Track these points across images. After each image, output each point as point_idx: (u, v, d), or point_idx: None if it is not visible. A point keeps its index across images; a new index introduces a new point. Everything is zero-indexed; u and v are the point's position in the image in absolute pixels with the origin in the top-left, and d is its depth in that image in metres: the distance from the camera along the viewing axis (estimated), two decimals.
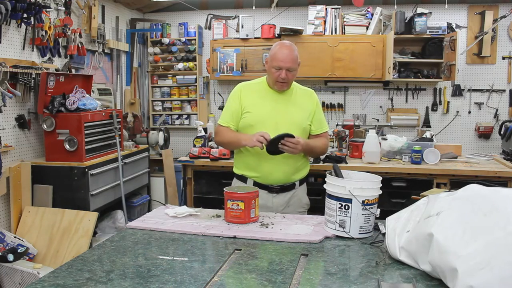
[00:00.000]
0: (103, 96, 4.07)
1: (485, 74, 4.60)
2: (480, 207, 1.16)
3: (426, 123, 4.70)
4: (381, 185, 1.65)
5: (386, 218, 1.48)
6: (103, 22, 4.25)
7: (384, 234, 1.49)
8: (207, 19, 5.03)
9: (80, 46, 3.66)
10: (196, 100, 5.01)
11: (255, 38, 4.67)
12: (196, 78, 4.95)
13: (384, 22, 4.52)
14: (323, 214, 1.73)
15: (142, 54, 5.06)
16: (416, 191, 2.33)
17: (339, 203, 1.61)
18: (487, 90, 4.62)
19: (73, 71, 3.70)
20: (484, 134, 4.63)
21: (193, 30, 4.93)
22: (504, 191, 1.19)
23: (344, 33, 4.50)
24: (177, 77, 5.00)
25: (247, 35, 4.65)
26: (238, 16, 4.77)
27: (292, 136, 2.03)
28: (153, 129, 4.78)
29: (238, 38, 4.71)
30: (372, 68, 4.41)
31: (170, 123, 5.14)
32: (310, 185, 2.44)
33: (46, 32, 3.28)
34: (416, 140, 3.51)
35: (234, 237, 1.61)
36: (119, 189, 3.50)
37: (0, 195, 2.92)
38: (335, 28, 4.49)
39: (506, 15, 4.41)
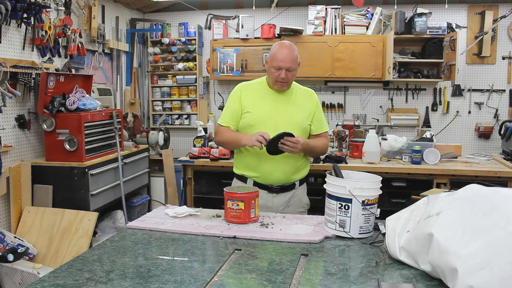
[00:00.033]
0: (103, 96, 4.07)
1: (485, 74, 4.60)
2: (480, 207, 1.16)
3: (426, 123, 4.71)
4: (381, 185, 1.65)
5: (386, 218, 1.48)
6: (103, 22, 4.25)
7: (384, 234, 1.49)
8: (207, 19, 5.03)
9: (80, 46, 3.66)
10: (196, 100, 5.01)
11: (255, 38, 4.67)
12: (196, 78, 4.95)
13: (384, 22, 4.52)
14: (323, 214, 1.73)
15: (142, 54, 5.06)
16: (416, 191, 2.33)
17: (339, 203, 1.61)
18: (487, 90, 4.62)
19: (73, 71, 3.70)
20: (484, 134, 4.63)
21: (193, 30, 4.93)
22: (504, 191, 1.19)
23: (344, 33, 4.50)
24: (177, 77, 5.00)
25: (247, 35, 4.65)
26: (238, 16, 4.77)
27: (291, 135, 2.03)
28: (153, 129, 4.78)
29: (238, 38, 4.71)
30: (372, 68, 4.41)
31: (170, 123, 5.14)
32: (310, 185, 2.44)
33: (46, 32, 3.28)
34: (416, 140, 3.51)
35: (234, 237, 1.61)
36: (119, 189, 3.50)
37: (0, 195, 2.93)
38: (335, 28, 4.49)
39: (506, 15, 4.41)
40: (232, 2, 4.87)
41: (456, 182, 2.99)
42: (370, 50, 4.38)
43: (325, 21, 4.48)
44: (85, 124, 3.15)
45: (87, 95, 3.41)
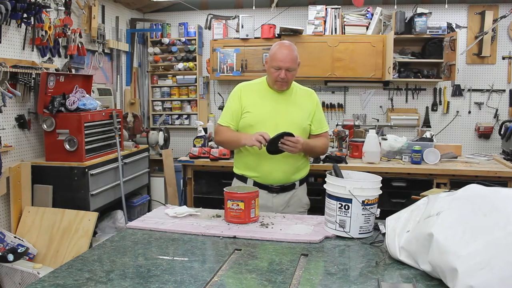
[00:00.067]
0: (103, 96, 4.07)
1: (485, 74, 4.60)
2: (480, 207, 1.16)
3: (426, 123, 4.71)
4: (381, 185, 1.65)
5: (386, 218, 1.48)
6: (103, 22, 4.25)
7: (384, 234, 1.49)
8: (207, 19, 5.03)
9: (80, 46, 3.66)
10: (196, 100, 5.01)
11: (255, 38, 4.67)
12: (196, 78, 4.95)
13: (384, 22, 4.52)
14: (323, 214, 1.73)
15: (142, 54, 5.06)
16: (416, 191, 2.33)
17: (339, 203, 1.61)
18: (487, 90, 4.62)
19: (73, 71, 3.70)
20: (484, 134, 4.63)
21: (193, 30, 4.93)
22: (504, 191, 1.19)
23: (344, 33, 4.50)
24: (177, 77, 5.00)
25: (247, 35, 4.65)
26: (238, 16, 4.77)
27: (291, 135, 2.03)
28: (153, 129, 4.78)
29: (238, 38, 4.71)
30: (372, 68, 4.41)
31: (170, 123, 5.14)
32: (310, 185, 2.44)
33: (46, 32, 3.28)
34: (416, 140, 3.51)
35: (234, 237, 1.61)
36: (119, 189, 3.50)
37: (0, 195, 2.93)
38: (335, 28, 4.49)
39: (506, 15, 4.41)
40: (232, 2, 4.87)
41: (456, 182, 2.99)
42: (370, 50, 4.38)
43: (325, 21, 4.48)
44: (85, 124, 3.15)
45: (87, 95, 3.41)
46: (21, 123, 3.17)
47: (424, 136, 3.68)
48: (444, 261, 1.13)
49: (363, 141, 3.30)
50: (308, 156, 2.37)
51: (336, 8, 4.48)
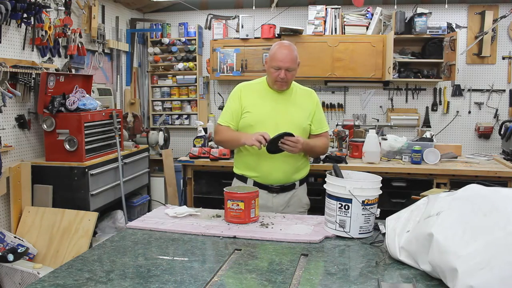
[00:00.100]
0: (103, 96, 4.08)
1: (485, 74, 4.60)
2: (480, 207, 1.16)
3: (426, 123, 4.71)
4: (381, 185, 1.65)
5: (386, 218, 1.48)
6: (103, 22, 4.25)
7: (384, 234, 1.49)
8: (207, 19, 5.03)
9: (80, 46, 3.66)
10: (196, 100, 5.01)
11: (255, 38, 4.67)
12: (196, 78, 4.95)
13: (384, 22, 4.52)
14: (323, 214, 1.73)
15: (142, 54, 5.06)
16: (416, 191, 2.33)
17: (339, 203, 1.61)
18: (487, 90, 4.62)
19: (73, 71, 3.70)
20: (484, 134, 4.63)
21: (193, 30, 4.93)
22: (504, 191, 1.19)
23: (344, 33, 4.50)
24: (177, 77, 5.00)
25: (247, 35, 4.65)
26: (238, 16, 4.77)
27: (291, 135, 2.03)
28: (153, 129, 4.78)
29: (238, 38, 4.71)
30: (372, 68, 4.41)
31: (170, 123, 5.14)
32: (310, 185, 2.44)
33: (46, 32, 3.28)
34: (416, 140, 3.51)
35: (234, 237, 1.61)
36: (119, 189, 3.50)
37: (0, 195, 2.93)
38: (335, 28, 4.49)
39: (506, 15, 4.41)
40: (232, 2, 4.87)
41: (456, 182, 2.99)
42: (370, 50, 4.38)
43: (325, 21, 4.48)
44: (85, 124, 3.15)
45: (87, 95, 3.41)
46: (21, 123, 3.17)
47: (424, 136, 3.68)
48: (444, 261, 1.13)
49: (363, 141, 3.30)
50: (308, 156, 2.37)
51: (336, 8, 4.48)
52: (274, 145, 2.04)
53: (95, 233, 3.30)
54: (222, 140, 2.31)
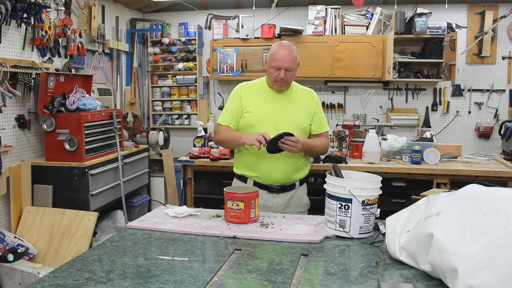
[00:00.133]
0: (103, 96, 4.08)
1: (485, 74, 4.60)
2: (480, 207, 1.16)
3: (426, 123, 4.71)
4: (381, 185, 1.65)
5: (386, 218, 1.48)
6: (103, 22, 4.25)
7: (384, 234, 1.49)
8: (207, 19, 5.03)
9: (80, 46, 3.66)
10: (196, 100, 5.01)
11: (255, 38, 4.67)
12: (196, 78, 4.95)
13: (384, 22, 4.52)
14: (323, 214, 1.73)
15: (142, 54, 5.06)
16: (416, 191, 2.33)
17: (339, 203, 1.61)
18: (487, 90, 4.62)
19: (73, 71, 3.70)
20: (484, 134, 4.63)
21: (193, 30, 4.93)
22: (504, 191, 1.19)
23: (344, 33, 4.50)
24: (177, 77, 5.00)
25: (247, 35, 4.65)
26: (238, 16, 4.77)
27: (291, 135, 2.03)
28: (153, 129, 4.78)
29: (238, 38, 4.71)
30: (372, 68, 4.41)
31: (170, 123, 5.14)
32: (310, 185, 2.44)
33: (46, 32, 3.28)
34: (416, 140, 3.51)
35: (234, 237, 1.61)
36: (119, 189, 3.50)
37: (0, 195, 2.93)
38: (335, 28, 4.49)
39: (506, 15, 4.41)
40: (232, 2, 4.87)
41: (456, 182, 2.99)
42: (370, 50, 4.38)
43: (325, 21, 4.48)
44: (85, 124, 3.15)
45: (87, 95, 3.41)
46: (21, 123, 3.17)
47: (424, 136, 3.68)
48: (444, 261, 1.13)
49: (363, 141, 3.30)
50: (308, 156, 2.37)
51: (336, 8, 4.48)
52: (274, 145, 2.04)
53: (95, 233, 3.30)
54: (222, 140, 2.31)
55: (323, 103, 4.77)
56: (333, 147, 3.56)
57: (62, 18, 3.49)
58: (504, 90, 4.59)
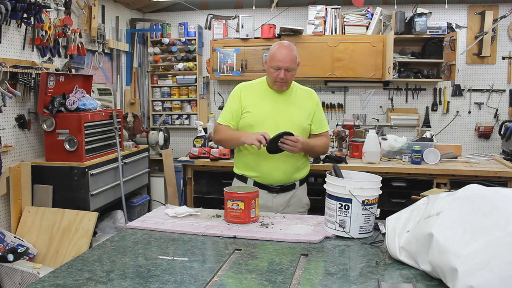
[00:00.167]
0: (103, 96, 4.08)
1: (485, 74, 4.60)
2: (480, 207, 1.16)
3: (426, 123, 4.71)
4: (381, 185, 1.65)
5: (386, 218, 1.48)
6: (103, 22, 4.25)
7: (384, 234, 1.49)
8: (207, 19, 5.03)
9: (80, 46, 3.66)
10: (196, 100, 5.01)
11: (255, 38, 4.67)
12: (196, 78, 4.95)
13: (384, 22, 4.52)
14: (323, 214, 1.73)
15: (142, 54, 5.06)
16: (416, 191, 2.33)
17: (339, 203, 1.61)
18: (487, 90, 4.62)
19: (73, 71, 3.70)
20: (484, 134, 4.63)
21: (193, 30, 4.93)
22: (504, 191, 1.19)
23: (344, 33, 4.50)
24: (177, 77, 5.00)
25: (247, 35, 4.65)
26: (238, 16, 4.77)
27: (291, 135, 2.03)
28: (153, 129, 4.78)
29: (238, 38, 4.71)
30: (372, 68, 4.41)
31: (170, 123, 5.14)
32: (310, 185, 2.44)
33: (46, 32, 3.28)
34: (416, 140, 3.51)
35: (234, 237, 1.61)
36: (119, 189, 3.50)
37: (0, 195, 2.93)
38: (335, 28, 4.49)
39: (506, 15, 4.41)
40: (232, 2, 4.87)
41: (456, 182, 2.99)
42: (370, 50, 4.38)
43: (325, 21, 4.48)
44: (85, 124, 3.15)
45: (87, 95, 3.41)
46: (21, 123, 3.17)
47: (424, 136, 3.68)
48: (444, 261, 1.13)
49: (363, 141, 3.30)
50: (308, 156, 2.37)
51: (336, 8, 4.48)
52: (274, 145, 2.04)
53: (95, 233, 3.30)
54: (222, 139, 2.31)
55: (323, 103, 4.77)
56: (333, 147, 3.56)
57: (62, 18, 3.49)
58: (504, 90, 4.59)
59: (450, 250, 1.12)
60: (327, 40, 4.43)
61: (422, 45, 4.47)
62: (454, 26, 4.39)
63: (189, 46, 4.90)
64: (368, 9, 4.50)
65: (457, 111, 4.69)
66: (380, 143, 3.28)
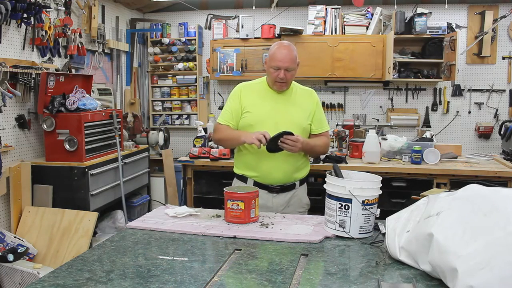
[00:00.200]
0: (103, 96, 4.08)
1: (485, 74, 4.60)
2: (480, 207, 1.16)
3: (426, 123, 4.71)
4: (381, 185, 1.65)
5: (386, 218, 1.48)
6: (103, 22, 4.25)
7: (384, 234, 1.49)
8: (207, 19, 5.03)
9: (80, 46, 3.66)
10: (196, 100, 5.01)
11: (255, 38, 4.67)
12: (196, 78, 4.95)
13: (384, 22, 4.52)
14: (323, 214, 1.73)
15: (142, 54, 5.06)
16: (416, 191, 2.33)
17: (339, 203, 1.61)
18: (487, 90, 4.62)
19: (73, 71, 3.70)
20: (484, 134, 4.63)
21: (193, 30, 4.93)
22: (504, 191, 1.19)
23: (344, 33, 4.50)
24: (177, 77, 5.00)
25: (247, 35, 4.65)
26: (238, 16, 4.77)
27: (291, 134, 2.03)
28: (153, 129, 4.78)
29: (238, 38, 4.71)
30: (372, 68, 4.41)
31: (170, 123, 5.14)
32: (310, 185, 2.44)
33: (46, 32, 3.28)
34: (416, 140, 3.51)
35: (234, 237, 1.61)
36: (119, 189, 3.50)
37: (0, 195, 2.93)
38: (335, 28, 4.49)
39: (506, 15, 4.41)
40: (232, 2, 4.87)
41: (456, 182, 2.99)
42: (370, 50, 4.38)
43: (325, 21, 4.48)
44: (85, 124, 3.15)
45: (87, 95, 3.41)
46: (21, 123, 3.17)
47: (424, 136, 3.68)
48: (444, 261, 1.13)
49: (363, 141, 3.30)
50: (308, 155, 2.37)
51: (336, 8, 4.48)
52: (274, 144, 2.04)
53: (95, 233, 3.30)
54: (222, 139, 2.31)
55: (323, 103, 4.77)
56: (333, 147, 3.56)
57: (62, 18, 3.49)
58: (504, 90, 4.59)
59: (450, 250, 1.12)
60: (327, 40, 4.43)
61: (422, 45, 4.47)
62: (454, 26, 4.39)
63: (189, 46, 4.90)
64: (368, 9, 4.50)
65: (457, 111, 4.69)
66: (380, 143, 3.28)
